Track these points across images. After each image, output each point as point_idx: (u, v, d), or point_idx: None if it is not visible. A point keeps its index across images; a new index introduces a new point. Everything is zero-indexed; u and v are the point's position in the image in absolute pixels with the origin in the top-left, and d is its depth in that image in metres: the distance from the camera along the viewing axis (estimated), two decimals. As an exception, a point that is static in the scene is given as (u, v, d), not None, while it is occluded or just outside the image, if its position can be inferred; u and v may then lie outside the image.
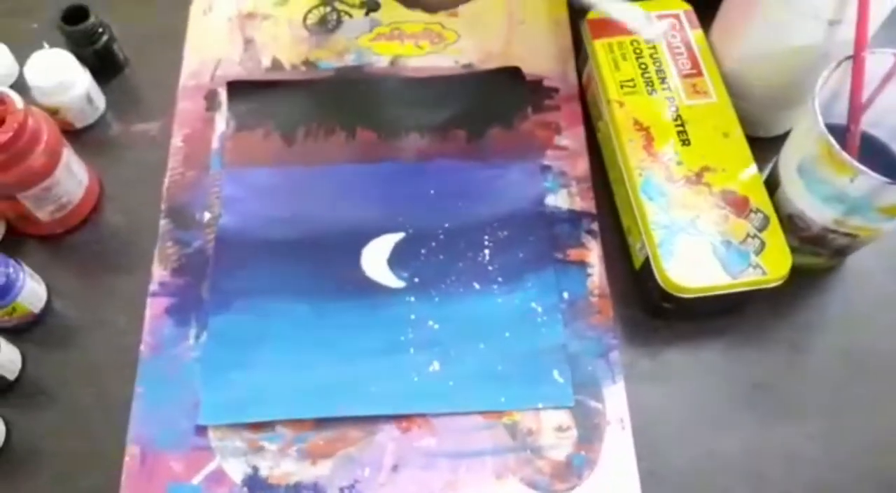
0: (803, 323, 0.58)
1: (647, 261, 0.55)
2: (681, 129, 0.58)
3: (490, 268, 0.59)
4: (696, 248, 0.53)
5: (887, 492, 0.52)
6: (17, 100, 0.53)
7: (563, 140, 0.64)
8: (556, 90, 0.66)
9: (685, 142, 0.58)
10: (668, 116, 0.59)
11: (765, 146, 0.60)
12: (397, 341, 0.56)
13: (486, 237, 0.60)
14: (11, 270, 0.53)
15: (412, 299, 0.57)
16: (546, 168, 0.63)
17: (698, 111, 0.59)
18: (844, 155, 0.48)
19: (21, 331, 0.56)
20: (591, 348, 0.56)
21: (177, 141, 0.64)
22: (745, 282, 0.53)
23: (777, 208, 0.55)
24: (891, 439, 0.54)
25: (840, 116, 0.53)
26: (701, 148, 0.57)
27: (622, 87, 0.60)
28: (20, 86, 0.62)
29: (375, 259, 0.59)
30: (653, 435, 0.53)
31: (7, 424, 0.53)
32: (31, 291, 0.55)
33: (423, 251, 0.59)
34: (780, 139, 0.62)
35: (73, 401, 0.54)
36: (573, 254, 0.59)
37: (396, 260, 0.59)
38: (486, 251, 0.59)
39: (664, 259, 0.53)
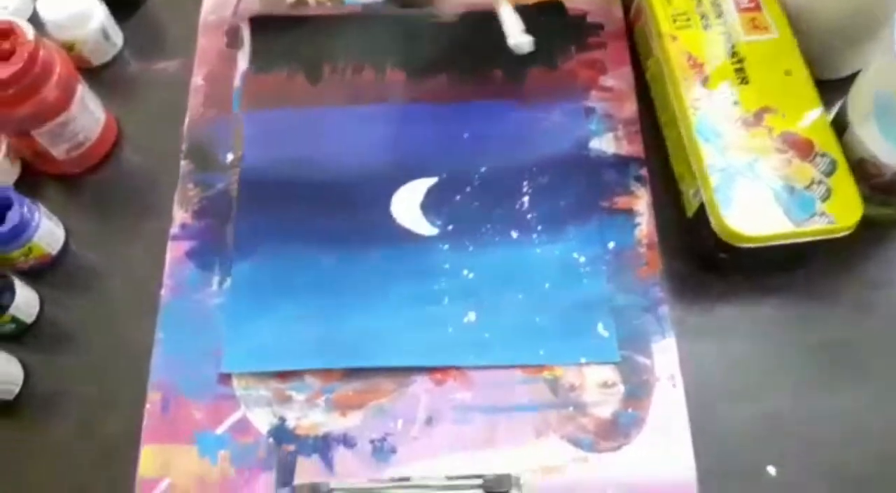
0: (869, 280, 0.54)
1: (701, 208, 0.51)
2: (738, 66, 0.54)
3: (529, 216, 0.55)
4: (756, 193, 0.49)
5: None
6: (28, 30, 0.50)
7: (608, 80, 0.60)
8: (600, 27, 0.62)
9: (743, 80, 0.53)
10: (725, 52, 0.54)
11: (830, 89, 0.55)
12: (430, 291, 0.52)
13: (526, 183, 0.56)
14: (26, 209, 0.51)
15: (446, 247, 0.54)
16: (590, 110, 0.59)
17: (757, 48, 0.54)
18: (929, 89, 0.44)
19: (38, 273, 0.54)
20: (637, 302, 0.52)
21: (197, 79, 0.61)
22: (809, 231, 0.49)
23: (846, 153, 0.51)
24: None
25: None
26: (760, 87, 0.53)
27: (675, 21, 0.55)
28: (34, 22, 0.58)
29: (407, 205, 0.56)
30: (706, 394, 0.50)
31: (26, 367, 0.51)
32: (48, 231, 0.53)
33: (457, 197, 0.56)
34: (845, 82, 0.58)
35: (92, 345, 0.52)
36: (620, 202, 0.56)
37: (430, 206, 0.55)
38: (525, 198, 0.56)
39: (721, 205, 0.49)
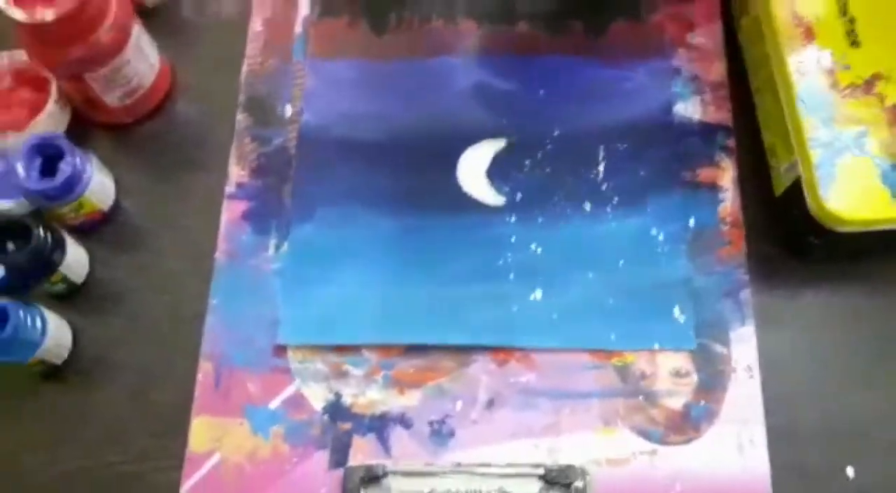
0: (972, 270, 0.50)
1: (793, 185, 0.47)
2: (849, 27, 0.48)
3: (604, 186, 0.51)
4: (861, 171, 0.45)
5: None
6: (84, -34, 0.47)
7: (696, 38, 0.55)
8: (691, -24, 0.57)
9: (854, 43, 0.48)
10: (834, 9, 0.49)
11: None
12: (495, 266, 0.50)
13: (602, 149, 0.52)
14: (79, 160, 0.49)
15: (513, 218, 0.51)
16: (676, 71, 0.54)
17: (872, 5, 0.49)
18: None
19: (88, 231, 0.52)
20: (718, 285, 0.49)
21: (256, 25, 0.57)
22: (918, 217, 0.44)
23: (964, 130, 0.46)
24: None
25: None
26: (874, 50, 0.48)
27: (780, -26, 0.50)
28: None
29: (473, 170, 0.52)
30: (784, 387, 0.47)
31: (75, 330, 0.50)
32: (100, 185, 0.51)
33: (527, 163, 0.52)
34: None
35: (143, 309, 0.51)
36: (704, 174, 0.51)
37: (497, 172, 0.52)
38: (601, 166, 0.52)
39: (821, 184, 0.45)
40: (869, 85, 0.47)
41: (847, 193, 0.45)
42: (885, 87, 0.47)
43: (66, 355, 0.49)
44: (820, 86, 0.47)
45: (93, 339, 0.50)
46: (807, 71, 0.47)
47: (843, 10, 0.49)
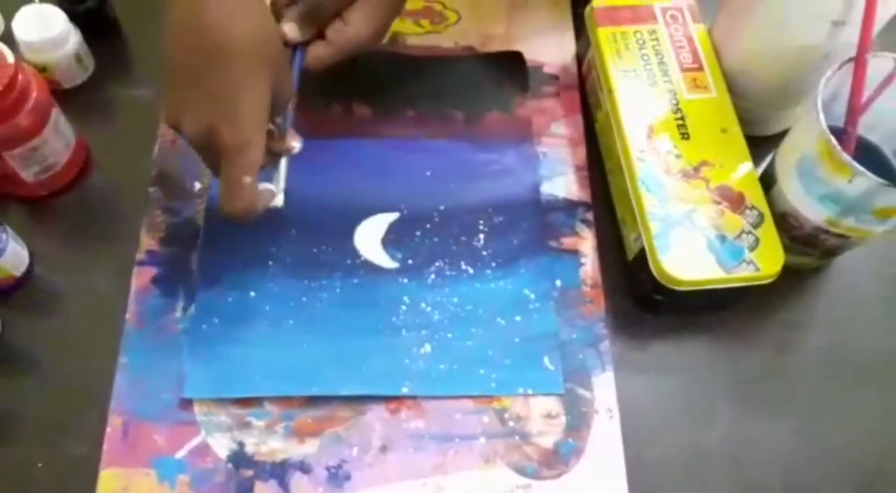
0: (789, 321, 0.59)
1: (641, 252, 0.55)
2: (681, 122, 0.58)
3: (484, 253, 0.58)
4: (692, 241, 0.54)
5: (864, 488, 0.54)
6: (8, 54, 0.51)
7: (560, 128, 0.64)
8: (555, 77, 0.66)
9: (685, 135, 0.58)
10: (669, 108, 0.59)
11: (760, 144, 0.61)
12: (389, 322, 0.55)
13: (482, 222, 0.59)
14: (-6, 231, 0.52)
15: (405, 280, 0.57)
16: (543, 154, 0.63)
17: (698, 106, 0.59)
18: (844, 155, 0.49)
19: (1, 295, 0.54)
20: (582, 337, 0.56)
21: (168, 108, 0.62)
22: (738, 277, 0.53)
23: (771, 206, 0.55)
24: (868, 438, 0.55)
25: (838, 117, 0.53)
26: (700, 142, 0.57)
27: (624, 76, 0.60)
28: (7, 41, 0.59)
29: (369, 238, 0.58)
30: (639, 425, 0.54)
31: (-16, 390, 0.51)
32: (14, 253, 0.53)
33: (417, 233, 0.59)
34: (776, 138, 0.63)
35: (54, 369, 0.53)
36: (567, 242, 0.59)
37: (391, 240, 0.58)
38: (481, 236, 0.59)
39: (660, 251, 0.53)
40: (697, 170, 0.56)
41: (681, 259, 0.53)
42: (710, 172, 0.56)
43: (-25, 413, 0.50)
44: (657, 170, 0.56)
45: (4, 397, 0.51)
46: (647, 158, 0.57)
47: (676, 109, 0.59)
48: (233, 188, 0.47)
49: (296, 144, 0.51)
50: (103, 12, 0.64)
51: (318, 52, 0.53)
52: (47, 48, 0.59)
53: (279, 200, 0.50)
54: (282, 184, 0.51)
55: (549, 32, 0.68)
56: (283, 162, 0.52)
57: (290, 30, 0.51)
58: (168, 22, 0.47)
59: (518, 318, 0.56)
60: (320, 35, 0.53)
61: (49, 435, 0.51)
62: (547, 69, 0.66)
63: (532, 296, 0.57)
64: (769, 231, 0.54)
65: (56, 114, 0.55)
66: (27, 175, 0.56)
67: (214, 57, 0.45)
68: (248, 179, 0.46)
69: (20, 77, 0.51)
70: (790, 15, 0.55)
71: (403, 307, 0.56)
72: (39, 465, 0.50)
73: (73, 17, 0.61)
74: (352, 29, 0.52)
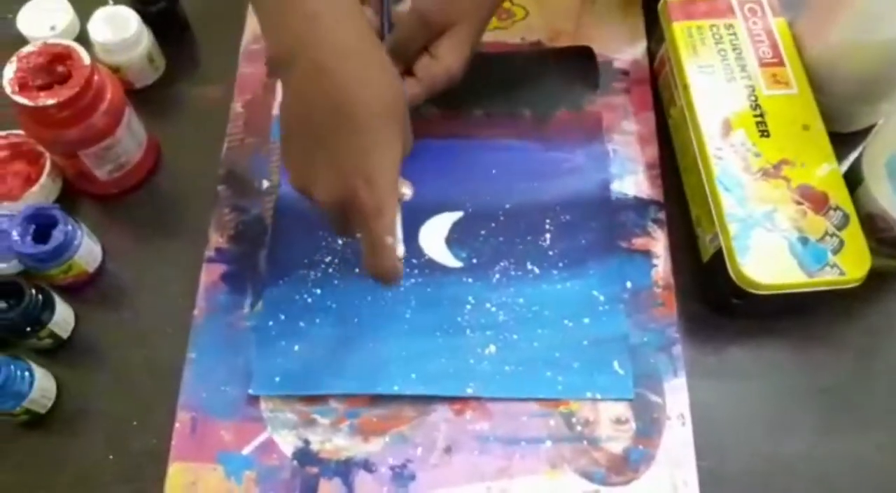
0: (874, 328, 0.56)
1: (717, 254, 0.53)
2: (759, 119, 0.56)
3: (551, 253, 0.57)
4: (772, 243, 0.51)
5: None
6: (84, 55, 0.52)
7: (631, 125, 0.62)
8: (626, 73, 0.64)
9: (764, 133, 0.55)
10: (747, 105, 0.56)
11: (843, 141, 0.58)
12: (454, 322, 0.54)
13: (548, 221, 0.58)
14: (70, 227, 0.53)
15: (470, 280, 0.56)
16: (613, 153, 0.61)
17: (778, 102, 0.56)
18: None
19: (75, 290, 0.56)
20: (653, 341, 0.54)
21: (237, 106, 0.63)
22: (821, 281, 0.50)
23: (857, 207, 0.53)
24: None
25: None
26: (780, 140, 0.55)
27: (700, 72, 0.58)
28: (81, 43, 0.60)
29: (434, 237, 0.58)
30: (713, 433, 0.52)
31: (59, 382, 0.52)
32: (88, 249, 0.55)
33: (482, 232, 0.58)
34: (860, 135, 0.60)
35: (125, 363, 0.54)
36: (638, 243, 0.57)
37: (455, 239, 0.57)
38: (548, 235, 0.58)
39: (739, 253, 0.51)
40: (777, 169, 0.54)
41: (761, 261, 0.51)
42: (791, 171, 0.54)
43: (50, 404, 0.52)
44: (735, 169, 0.54)
45: (75, 390, 0.53)
46: (724, 156, 0.54)
47: (755, 106, 0.56)
48: (378, 250, 0.45)
49: (407, 191, 0.49)
50: (175, 13, 0.65)
51: (409, 91, 0.51)
52: (121, 49, 0.60)
53: (401, 251, 0.48)
54: (400, 233, 0.48)
55: (620, 27, 0.66)
56: (398, 217, 0.48)
57: None
58: (294, 82, 0.45)
59: (586, 320, 0.54)
60: (408, 71, 0.52)
61: (120, 429, 0.52)
62: (617, 64, 0.65)
63: (601, 298, 0.55)
64: (855, 233, 0.52)
65: (129, 114, 0.56)
66: (101, 174, 0.57)
67: (347, 121, 0.44)
68: (390, 239, 0.45)
69: (96, 78, 0.52)
70: (883, 6, 0.52)
71: (468, 307, 0.55)
72: (110, 457, 0.51)
73: (146, 17, 0.62)
74: (441, 64, 0.51)
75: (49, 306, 0.52)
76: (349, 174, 0.44)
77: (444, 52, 0.51)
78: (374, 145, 0.44)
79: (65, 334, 0.54)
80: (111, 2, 0.62)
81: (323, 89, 0.44)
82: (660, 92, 0.64)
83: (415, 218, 0.58)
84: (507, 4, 0.67)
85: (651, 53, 0.65)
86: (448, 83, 0.52)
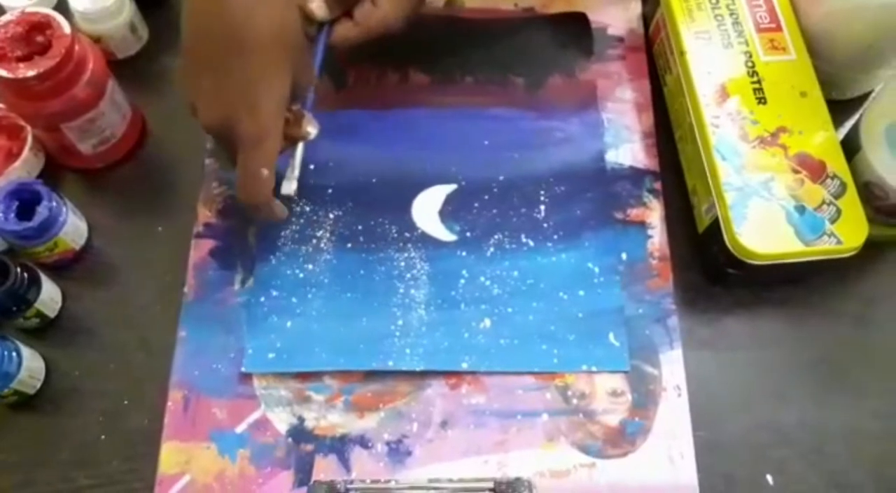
0: (870, 296, 0.56)
1: (712, 224, 0.53)
2: (757, 86, 0.55)
3: (545, 225, 0.56)
4: (769, 212, 0.51)
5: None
6: (65, 24, 0.51)
7: (626, 93, 0.61)
8: (620, 39, 0.63)
9: (761, 100, 0.54)
10: (744, 71, 0.55)
11: (840, 108, 0.57)
12: (448, 296, 0.54)
13: (542, 192, 0.57)
14: (55, 204, 0.52)
15: (464, 253, 0.55)
16: (607, 121, 0.60)
17: (775, 68, 0.55)
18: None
19: (61, 268, 0.55)
20: (648, 313, 0.54)
21: (223, 76, 0.61)
22: (818, 250, 0.50)
23: (854, 175, 0.52)
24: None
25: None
26: (777, 107, 0.54)
27: (696, 38, 0.56)
28: (61, 12, 0.58)
29: (427, 210, 0.57)
30: (709, 404, 0.52)
31: (47, 361, 0.52)
32: (73, 226, 0.53)
33: (475, 204, 0.57)
34: (856, 101, 0.59)
35: (115, 341, 0.53)
36: (633, 214, 0.57)
37: (448, 212, 0.57)
38: (542, 207, 0.57)
39: (735, 222, 0.50)
40: (774, 137, 0.53)
41: (758, 231, 0.50)
42: (788, 139, 0.53)
43: (38, 385, 0.51)
44: (732, 137, 0.53)
45: (65, 370, 0.52)
46: (721, 124, 0.54)
47: (752, 72, 0.55)
48: (249, 180, 0.46)
49: (312, 130, 0.50)
50: (157, -20, 0.63)
51: (345, 33, 0.51)
52: (102, 18, 0.58)
53: (292, 188, 0.49)
54: (296, 171, 0.50)
55: (614, -8, 0.65)
56: (300, 149, 0.51)
57: (318, 8, 0.50)
58: (189, 4, 0.46)
59: (581, 292, 0.54)
60: (348, 14, 0.51)
61: (112, 408, 0.51)
62: (612, 31, 0.63)
63: (596, 270, 0.55)
64: (852, 202, 0.51)
65: (112, 85, 0.55)
66: (84, 147, 0.56)
67: (235, 47, 0.45)
68: (265, 172, 0.46)
69: (76, 48, 0.51)
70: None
71: (462, 281, 0.54)
72: (102, 437, 0.50)
73: (127, -15, 0.60)
74: (380, 11, 0.51)
75: (35, 285, 0.51)
76: (233, 100, 0.45)
77: (384, 0, 0.51)
78: (261, 74, 0.45)
79: (52, 314, 0.53)
80: (91, -31, 0.60)
81: (216, 12, 0.45)
82: (655, 59, 0.62)
83: (408, 191, 0.57)
84: (498, -31, 0.65)
85: (646, 19, 0.64)
86: (384, 30, 0.51)
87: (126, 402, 0.51)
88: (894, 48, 0.55)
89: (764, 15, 0.57)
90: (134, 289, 0.55)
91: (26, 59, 0.50)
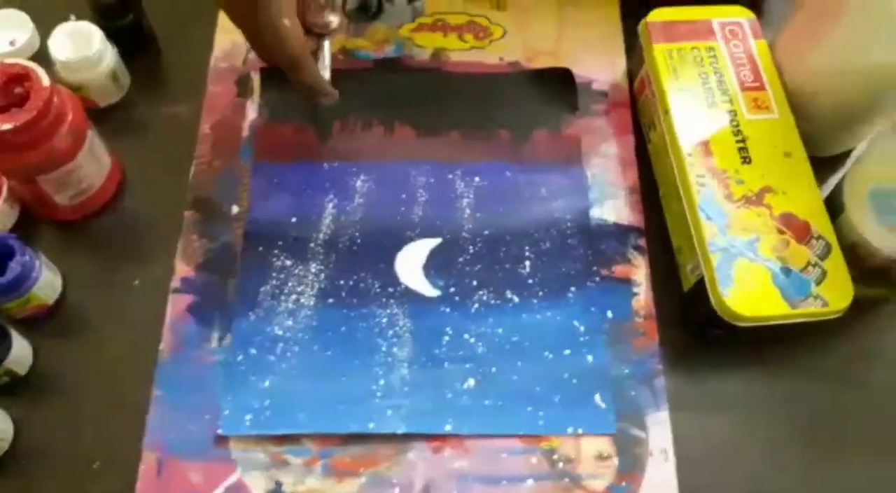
0: (856, 356, 0.55)
1: (699, 283, 0.52)
2: (742, 145, 0.55)
3: (530, 280, 0.56)
4: (756, 274, 0.50)
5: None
6: (43, 76, 0.50)
7: (610, 148, 0.61)
8: (605, 94, 0.63)
9: (746, 160, 0.54)
10: (729, 130, 0.55)
11: (820, 165, 0.57)
12: (431, 354, 0.53)
13: (528, 248, 0.57)
14: (28, 258, 0.50)
15: (448, 309, 0.54)
16: (592, 177, 0.60)
17: (760, 127, 0.56)
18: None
19: (34, 322, 0.53)
20: (634, 373, 0.53)
21: (205, 127, 0.60)
22: (804, 312, 0.50)
23: (839, 235, 0.52)
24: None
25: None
26: (762, 167, 0.54)
27: (681, 96, 0.57)
28: (41, 59, 0.57)
29: (410, 265, 0.56)
30: (697, 468, 0.51)
31: (16, 421, 0.50)
32: (47, 281, 0.52)
33: (460, 259, 0.56)
34: (837, 158, 0.59)
35: (87, 400, 0.51)
36: (619, 271, 0.56)
37: (432, 267, 0.56)
38: (527, 262, 0.56)
39: (721, 284, 0.50)
40: (759, 197, 0.53)
41: (744, 292, 0.50)
42: (773, 198, 0.53)
43: (6, 447, 0.49)
44: (717, 197, 0.53)
45: (34, 430, 0.50)
46: (705, 183, 0.54)
47: (737, 131, 0.55)
48: (275, 33, 0.45)
49: (334, 18, 0.51)
50: (140, 29, 0.62)
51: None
52: (83, 67, 0.58)
53: (323, 74, 0.53)
54: (327, 62, 0.54)
55: (599, 47, 0.65)
56: (326, 45, 0.54)
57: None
58: None
59: (567, 352, 0.53)
60: None
61: (81, 472, 0.49)
62: (596, 86, 0.63)
63: (581, 328, 0.54)
64: (837, 263, 0.51)
65: (91, 137, 0.54)
66: (61, 199, 0.54)
67: None
68: (286, 22, 0.45)
69: (55, 100, 0.50)
70: (873, 31, 0.51)
71: (446, 338, 0.53)
72: (71, 502, 0.48)
73: (110, 33, 0.59)
74: None
75: (5, 342, 0.49)
76: None
77: None
78: None
79: (22, 371, 0.51)
80: (73, 17, 0.59)
81: None
82: (640, 114, 0.63)
83: (391, 245, 0.56)
84: (485, 23, 0.66)
85: (631, 74, 0.64)
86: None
87: (97, 465, 0.49)
88: (876, 107, 0.56)
89: (748, 74, 0.58)
90: (108, 345, 0.53)
91: (3, 111, 0.49)
